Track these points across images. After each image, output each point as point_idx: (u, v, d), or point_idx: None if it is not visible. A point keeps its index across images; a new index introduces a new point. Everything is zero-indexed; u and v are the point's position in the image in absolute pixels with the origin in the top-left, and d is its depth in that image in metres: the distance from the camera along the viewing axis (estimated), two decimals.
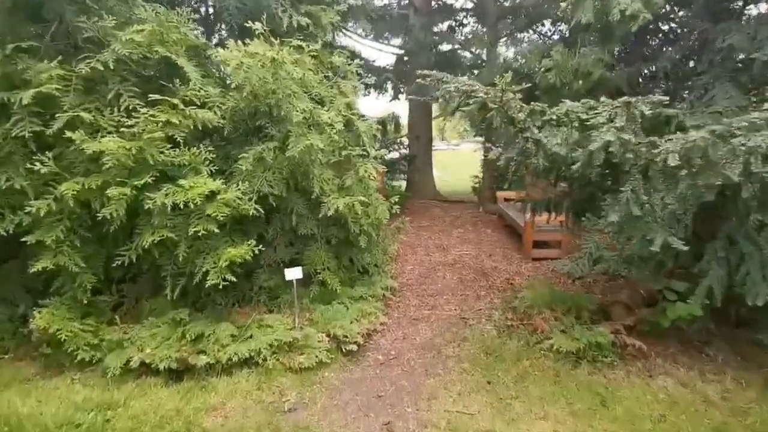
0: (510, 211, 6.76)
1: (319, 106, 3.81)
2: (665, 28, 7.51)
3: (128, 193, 3.07)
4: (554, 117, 2.53)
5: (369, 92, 13.22)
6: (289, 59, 3.52)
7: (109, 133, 3.25)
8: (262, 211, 3.45)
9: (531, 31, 10.62)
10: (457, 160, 22.87)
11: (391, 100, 12.80)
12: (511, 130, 2.72)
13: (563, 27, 10.60)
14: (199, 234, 3.14)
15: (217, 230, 3.18)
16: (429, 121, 10.43)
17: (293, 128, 3.54)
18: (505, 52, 9.67)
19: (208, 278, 3.22)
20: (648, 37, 7.30)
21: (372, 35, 12.24)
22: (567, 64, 6.74)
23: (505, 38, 9.78)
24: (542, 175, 3.09)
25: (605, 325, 3.44)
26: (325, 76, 4.53)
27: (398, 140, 11.01)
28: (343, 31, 10.24)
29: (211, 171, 3.46)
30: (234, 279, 3.26)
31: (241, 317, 3.82)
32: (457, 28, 12.06)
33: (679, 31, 7.10)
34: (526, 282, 5.00)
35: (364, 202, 3.77)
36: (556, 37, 9.65)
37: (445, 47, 11.45)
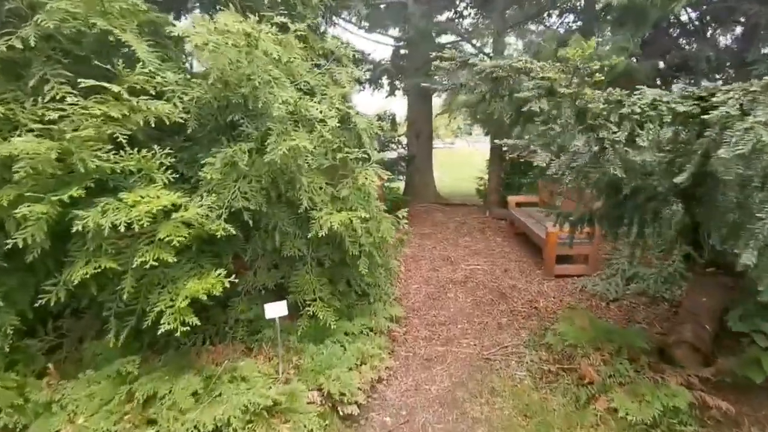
0: (524, 218, 6.03)
1: (308, 98, 3.04)
2: (684, 18, 6.84)
3: (47, 211, 2.29)
4: (637, 110, 1.80)
5: (364, 87, 12.48)
6: (268, 37, 2.75)
7: (30, 130, 2.46)
8: (234, 232, 2.67)
9: (537, 23, 9.93)
10: (454, 160, 22.12)
11: (387, 96, 12.06)
12: (576, 128, 1.97)
13: (571, 18, 9.93)
14: (147, 265, 2.36)
15: (172, 259, 2.40)
16: (429, 117, 9.68)
17: (274, 125, 2.76)
18: (515, 42, 8.94)
19: (161, 322, 2.45)
20: (666, 26, 6.62)
21: (367, 26, 11.48)
22: (587, 54, 6.02)
23: (512, 29, 9.03)
24: (606, 189, 2.35)
25: (672, 374, 2.72)
26: (315, 65, 3.76)
27: (396, 139, 10.25)
28: (335, 18, 9.47)
29: (171, 179, 2.68)
30: (197, 322, 2.49)
31: (213, 359, 3.06)
32: (457, 19, 11.32)
33: (700, 20, 6.42)
34: (552, 303, 4.27)
35: (365, 218, 3.01)
36: (561, 30, 8.95)
37: (446, 39, 10.70)
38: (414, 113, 9.63)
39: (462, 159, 22.14)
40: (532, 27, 9.49)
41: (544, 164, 2.85)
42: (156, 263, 2.35)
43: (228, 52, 2.65)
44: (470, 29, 10.91)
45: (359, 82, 12.17)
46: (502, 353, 3.32)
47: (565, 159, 2.64)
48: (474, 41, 10.54)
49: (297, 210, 3.03)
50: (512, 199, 6.74)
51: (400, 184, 9.76)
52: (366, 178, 3.13)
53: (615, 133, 1.82)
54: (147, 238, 2.45)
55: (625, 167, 1.88)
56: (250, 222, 2.84)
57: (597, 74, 1.91)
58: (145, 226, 2.28)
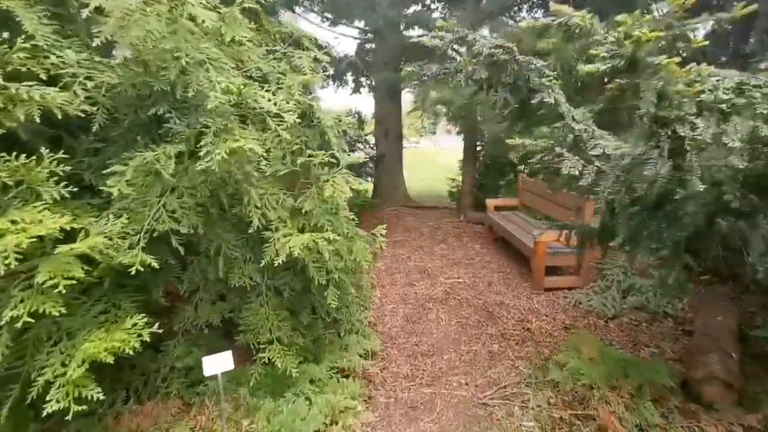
0: (505, 223, 5.56)
1: (258, 85, 2.37)
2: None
3: None
4: (722, 96, 1.28)
5: (327, 84, 11.84)
6: (199, 2, 2.08)
7: None
8: (157, 266, 1.98)
9: (508, 17, 9.55)
10: (420, 159, 21.72)
11: (352, 94, 11.45)
12: (646, 120, 1.42)
13: (540, 13, 9.62)
14: (19, 320, 1.64)
15: (58, 311, 1.69)
16: (399, 115, 9.11)
17: (211, 120, 2.09)
18: (489, 36, 8.43)
19: (48, 397, 1.74)
20: None
21: (330, 17, 10.82)
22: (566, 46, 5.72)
23: (486, 21, 8.55)
24: (654, 203, 1.82)
25: (710, 421, 2.26)
26: (269, 50, 3.10)
27: (363, 138, 9.64)
28: (296, 8, 8.76)
29: (66, 194, 1.95)
30: (101, 395, 1.79)
31: (137, 425, 2.36)
32: (426, 13, 10.80)
33: None
34: (546, 323, 3.80)
35: (333, 239, 2.38)
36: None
37: (414, 33, 10.15)
38: (382, 110, 9.04)
39: (428, 158, 21.82)
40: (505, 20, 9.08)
41: (577, 172, 2.30)
42: (31, 320, 1.64)
43: (144, 20, 1.96)
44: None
45: (325, 71, 11.49)
46: (501, 395, 2.78)
47: (608, 167, 2.07)
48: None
49: (246, 229, 2.37)
50: (491, 202, 6.27)
51: (369, 186, 9.15)
52: (334, 188, 2.50)
53: (696, 128, 1.29)
54: (21, 284, 1.73)
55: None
56: (182, 250, 2.16)
57: (697, 39, 1.37)
58: (12, 266, 1.57)
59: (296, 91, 2.68)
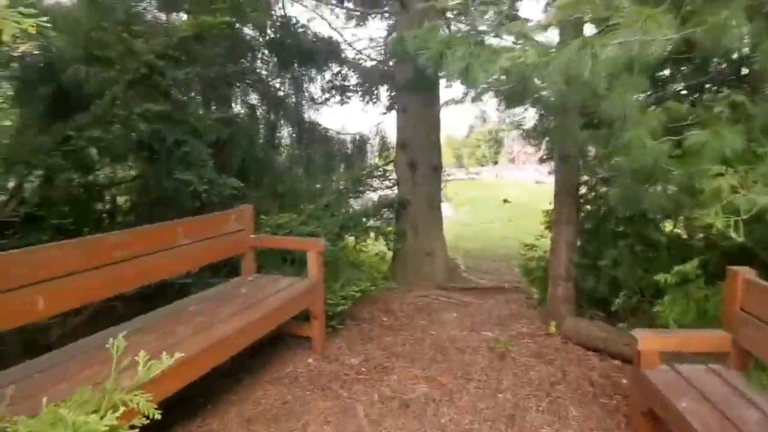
0: None
1: None
2: None
3: None
4: None
5: (349, 98, 8.64)
6: None
7: None
8: None
9: None
10: (481, 193, 17.70)
11: (385, 113, 8.14)
12: None
13: None
14: None
15: None
16: (436, 135, 5.48)
17: None
18: None
19: None
20: None
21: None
22: None
23: None
24: None
25: None
26: None
27: (382, 171, 6.12)
28: None
29: None
30: None
31: None
32: None
33: None
34: None
35: None
36: None
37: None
38: (407, 129, 5.47)
39: (488, 192, 17.83)
40: None
41: None
42: None
43: None
44: None
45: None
46: None
47: None
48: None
49: None
50: (646, 341, 2.39)
51: (383, 248, 5.53)
52: None
53: None
54: None
55: None
56: None
57: None
58: None
59: None
